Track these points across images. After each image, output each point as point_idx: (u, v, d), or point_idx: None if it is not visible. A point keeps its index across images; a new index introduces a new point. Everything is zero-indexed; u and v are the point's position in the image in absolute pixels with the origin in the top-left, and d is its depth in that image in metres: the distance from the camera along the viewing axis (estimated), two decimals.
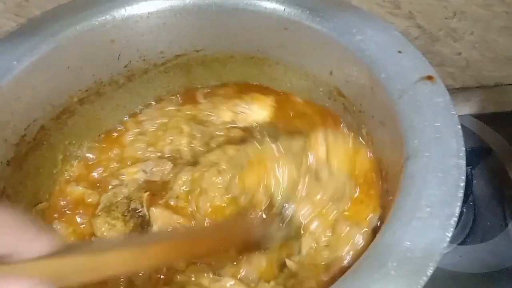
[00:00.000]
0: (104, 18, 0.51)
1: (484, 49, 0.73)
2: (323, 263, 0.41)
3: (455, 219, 0.32)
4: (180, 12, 0.53)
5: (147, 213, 0.49)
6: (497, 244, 0.61)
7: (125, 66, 0.55)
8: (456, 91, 0.78)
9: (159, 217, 0.48)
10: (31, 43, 0.48)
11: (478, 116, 0.73)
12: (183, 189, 0.50)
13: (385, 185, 0.43)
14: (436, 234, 0.31)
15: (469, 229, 0.63)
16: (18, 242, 0.22)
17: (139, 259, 0.29)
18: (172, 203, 0.49)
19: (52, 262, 0.23)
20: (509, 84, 0.78)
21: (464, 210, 0.64)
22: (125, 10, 0.51)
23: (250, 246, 0.41)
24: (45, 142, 0.52)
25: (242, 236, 0.41)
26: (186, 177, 0.50)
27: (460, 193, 0.33)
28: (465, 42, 0.72)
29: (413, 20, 0.68)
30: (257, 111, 0.55)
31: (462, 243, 0.62)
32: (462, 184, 0.33)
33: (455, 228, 0.61)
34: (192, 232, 0.42)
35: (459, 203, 0.32)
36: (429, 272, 0.29)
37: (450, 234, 0.31)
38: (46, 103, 0.51)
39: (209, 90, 0.60)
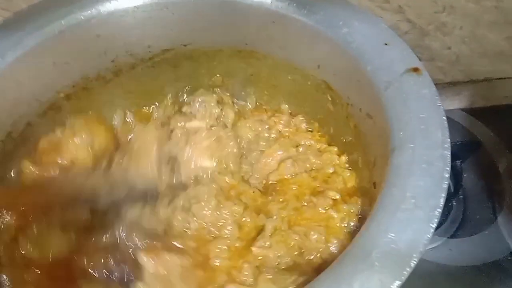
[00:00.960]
0: (89, 12, 0.50)
1: (473, 43, 0.74)
2: None
3: (440, 210, 0.32)
4: (166, 6, 0.52)
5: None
6: (487, 237, 0.62)
7: (112, 61, 0.55)
8: (446, 86, 0.78)
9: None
10: (15, 37, 0.48)
11: (468, 110, 0.74)
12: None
13: (372, 178, 0.43)
14: (421, 226, 0.31)
15: (459, 223, 0.63)
16: None
17: None
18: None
19: None
20: (499, 79, 0.79)
21: (454, 203, 0.64)
22: (111, 4, 0.51)
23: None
24: (31, 139, 0.51)
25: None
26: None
27: (445, 184, 0.33)
28: (454, 36, 0.72)
29: (402, 14, 0.68)
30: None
31: (452, 236, 0.62)
32: (447, 175, 0.33)
33: (446, 222, 0.63)
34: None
35: (444, 194, 0.32)
36: (413, 263, 0.29)
37: (434, 225, 0.31)
38: (32, 99, 0.50)
39: None
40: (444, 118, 0.37)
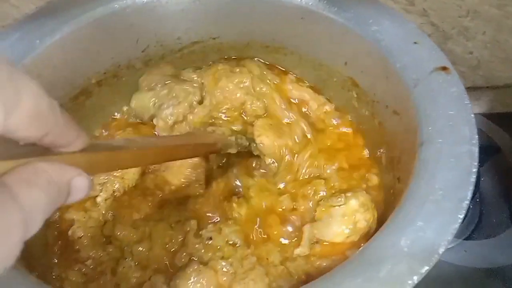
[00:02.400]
0: (124, 2, 0.52)
1: (495, 49, 0.74)
2: None
3: (467, 202, 0.32)
4: None
5: None
6: (502, 241, 0.62)
7: (142, 51, 0.56)
8: (466, 90, 0.78)
9: None
10: (53, 23, 0.49)
11: (487, 115, 0.74)
12: None
13: (397, 173, 0.44)
14: (448, 216, 0.32)
15: (475, 225, 0.63)
16: (66, 136, 0.25)
17: (141, 156, 0.37)
18: None
19: (88, 156, 0.27)
20: None
21: (471, 206, 0.65)
22: None
23: (213, 151, 0.51)
24: None
25: (205, 142, 0.50)
26: None
27: (473, 178, 0.34)
28: (477, 41, 0.73)
29: (426, 17, 0.69)
30: None
31: (468, 238, 0.62)
32: (474, 169, 0.34)
33: (461, 224, 0.63)
34: (170, 139, 0.51)
35: (471, 188, 0.33)
36: (441, 250, 0.30)
37: (462, 217, 0.32)
38: (66, 83, 0.52)
39: None
40: (472, 115, 0.38)
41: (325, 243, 0.44)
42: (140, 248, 0.46)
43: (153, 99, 0.54)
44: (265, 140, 0.51)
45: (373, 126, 0.50)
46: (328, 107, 0.56)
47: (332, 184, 0.50)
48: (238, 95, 0.54)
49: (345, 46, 0.50)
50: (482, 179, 0.67)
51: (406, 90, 0.42)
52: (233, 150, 0.51)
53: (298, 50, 0.55)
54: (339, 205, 0.45)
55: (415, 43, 0.44)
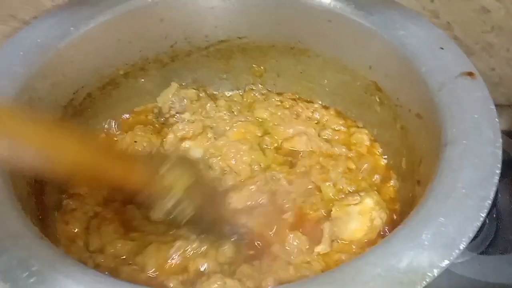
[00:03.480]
0: None
1: None
2: None
3: (489, 202, 0.33)
4: None
5: None
6: None
7: (170, 46, 0.58)
8: None
9: None
10: (88, 12, 0.51)
11: (507, 133, 0.74)
12: None
13: (417, 176, 0.44)
14: (470, 213, 0.32)
15: (490, 240, 0.63)
16: None
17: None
18: None
19: None
20: None
21: (487, 221, 0.64)
22: None
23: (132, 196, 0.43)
24: (89, 109, 0.54)
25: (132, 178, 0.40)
26: None
27: (496, 179, 0.34)
28: (500, 58, 0.73)
29: (450, 31, 0.69)
30: None
31: (483, 253, 0.62)
32: (498, 171, 0.34)
33: (477, 238, 0.62)
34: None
35: (494, 188, 0.33)
36: (462, 246, 0.30)
37: (483, 215, 0.32)
38: (95, 72, 0.53)
39: None
40: (497, 120, 0.38)
41: (343, 241, 0.45)
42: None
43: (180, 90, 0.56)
44: None
45: (394, 131, 0.50)
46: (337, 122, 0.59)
47: (340, 187, 0.51)
48: (243, 166, 0.54)
49: (370, 50, 0.50)
50: (499, 195, 0.67)
51: (430, 93, 0.42)
52: (156, 214, 0.42)
53: (322, 53, 0.56)
54: (354, 203, 0.46)
55: (441, 48, 0.44)
